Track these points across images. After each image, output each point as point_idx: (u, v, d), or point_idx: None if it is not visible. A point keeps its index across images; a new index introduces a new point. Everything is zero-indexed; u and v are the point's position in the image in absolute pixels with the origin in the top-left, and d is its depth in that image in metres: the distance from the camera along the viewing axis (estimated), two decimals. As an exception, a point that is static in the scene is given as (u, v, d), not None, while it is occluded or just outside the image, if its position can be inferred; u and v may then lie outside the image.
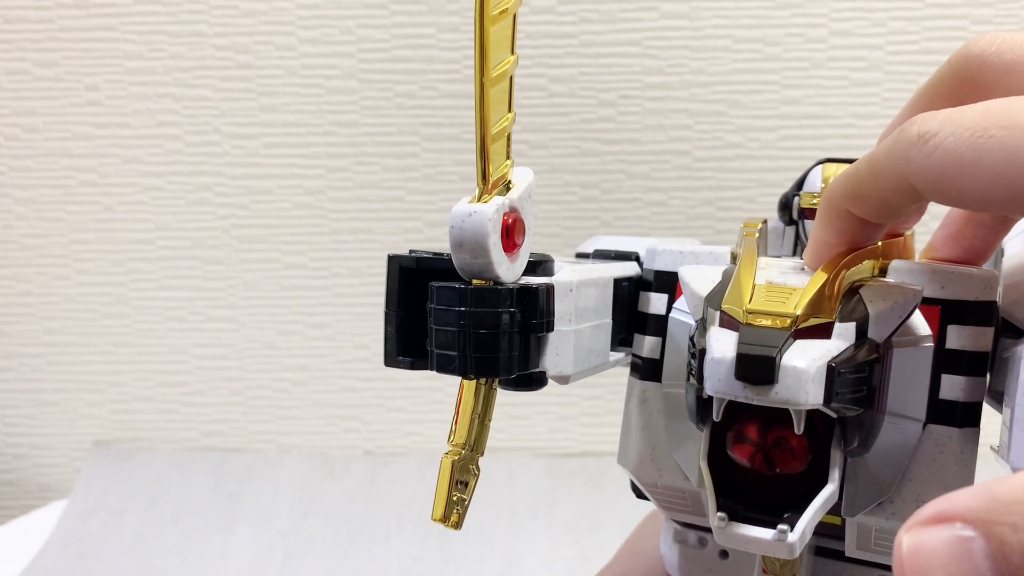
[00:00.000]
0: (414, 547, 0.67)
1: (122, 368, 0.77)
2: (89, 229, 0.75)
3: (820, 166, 0.35)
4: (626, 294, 0.30)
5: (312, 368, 0.76)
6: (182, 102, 0.73)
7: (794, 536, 0.23)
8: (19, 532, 0.71)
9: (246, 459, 0.76)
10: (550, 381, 0.27)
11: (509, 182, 0.25)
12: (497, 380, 0.25)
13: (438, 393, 0.76)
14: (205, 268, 0.75)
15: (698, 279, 0.26)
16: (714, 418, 0.23)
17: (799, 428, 0.23)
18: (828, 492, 0.24)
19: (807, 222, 0.35)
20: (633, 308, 0.30)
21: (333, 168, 0.73)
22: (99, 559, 0.67)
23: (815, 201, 0.32)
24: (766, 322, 0.23)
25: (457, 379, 0.25)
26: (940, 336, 0.25)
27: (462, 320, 0.24)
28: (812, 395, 0.21)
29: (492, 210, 0.24)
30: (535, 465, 0.74)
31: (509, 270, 0.25)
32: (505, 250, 0.24)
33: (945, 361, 0.25)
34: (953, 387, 0.25)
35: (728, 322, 0.23)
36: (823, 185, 0.32)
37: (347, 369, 0.76)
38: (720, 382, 0.22)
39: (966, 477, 0.25)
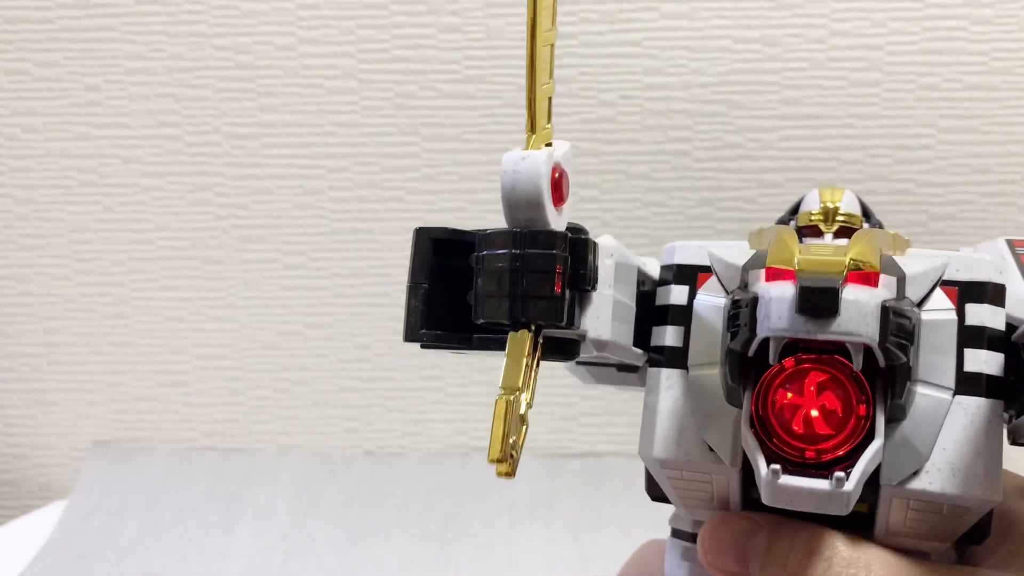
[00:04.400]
0: (414, 547, 0.67)
1: (122, 368, 0.77)
2: (89, 229, 0.75)
3: (816, 189, 0.35)
4: (640, 302, 0.29)
5: (312, 368, 0.76)
6: (182, 102, 0.73)
7: (850, 486, 0.23)
8: (19, 532, 0.71)
9: (246, 459, 0.76)
10: (567, 375, 0.27)
11: (550, 144, 0.26)
12: (540, 336, 0.25)
13: (438, 393, 0.76)
14: (205, 268, 0.75)
15: (730, 253, 0.27)
16: (771, 361, 0.24)
17: (858, 364, 0.23)
18: (876, 446, 0.24)
19: (807, 240, 0.35)
20: (644, 322, 0.30)
21: (333, 168, 0.73)
22: (99, 559, 0.67)
23: (814, 218, 0.32)
24: (821, 267, 0.24)
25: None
26: (960, 315, 0.26)
27: (516, 263, 0.24)
28: (871, 330, 0.22)
29: (544, 155, 0.24)
30: (535, 465, 0.74)
31: (556, 222, 0.25)
32: (553, 203, 0.25)
33: (967, 337, 0.26)
34: (976, 360, 0.26)
35: (775, 275, 0.24)
36: (821, 205, 0.32)
37: (347, 369, 0.76)
38: (781, 319, 0.23)
39: (996, 446, 0.25)
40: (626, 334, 0.28)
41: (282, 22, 0.71)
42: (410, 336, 0.27)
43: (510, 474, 0.24)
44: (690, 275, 0.29)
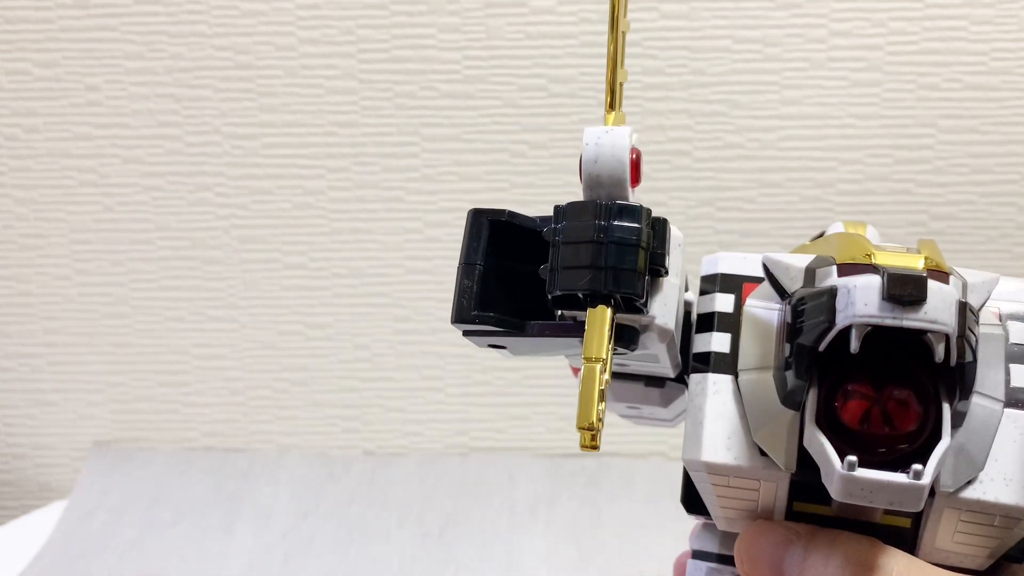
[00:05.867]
0: (414, 547, 0.67)
1: (122, 368, 0.77)
2: (89, 229, 0.75)
3: (839, 222, 0.34)
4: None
5: (312, 368, 0.76)
6: (182, 102, 0.73)
7: (927, 478, 0.23)
8: (19, 532, 0.71)
9: (246, 459, 0.76)
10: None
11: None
12: (615, 314, 0.24)
13: (438, 394, 0.76)
14: (205, 268, 0.75)
15: (788, 257, 0.27)
16: (852, 349, 0.23)
17: (939, 355, 0.23)
18: (945, 445, 0.24)
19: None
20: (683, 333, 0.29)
21: (333, 168, 0.73)
22: (99, 559, 0.67)
23: None
24: (900, 262, 0.24)
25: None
26: (1004, 333, 0.27)
27: (600, 234, 0.24)
28: (953, 321, 0.23)
29: (628, 130, 0.25)
30: (535, 465, 0.74)
31: (632, 199, 0.25)
32: (630, 182, 0.25)
33: (1013, 354, 0.26)
34: (1022, 376, 0.26)
35: (849, 269, 0.24)
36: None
37: (347, 369, 0.76)
38: (868, 305, 0.23)
39: None
40: (678, 333, 0.28)
41: (282, 22, 0.71)
42: (460, 317, 0.26)
43: (595, 447, 0.24)
44: (735, 284, 0.29)
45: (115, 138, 0.74)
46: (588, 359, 0.24)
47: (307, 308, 0.75)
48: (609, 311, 0.24)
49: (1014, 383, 0.26)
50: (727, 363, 0.28)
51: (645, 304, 0.25)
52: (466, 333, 0.27)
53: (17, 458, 0.79)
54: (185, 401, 0.77)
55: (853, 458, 0.23)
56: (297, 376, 0.76)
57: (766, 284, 0.27)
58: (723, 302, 0.28)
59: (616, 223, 0.24)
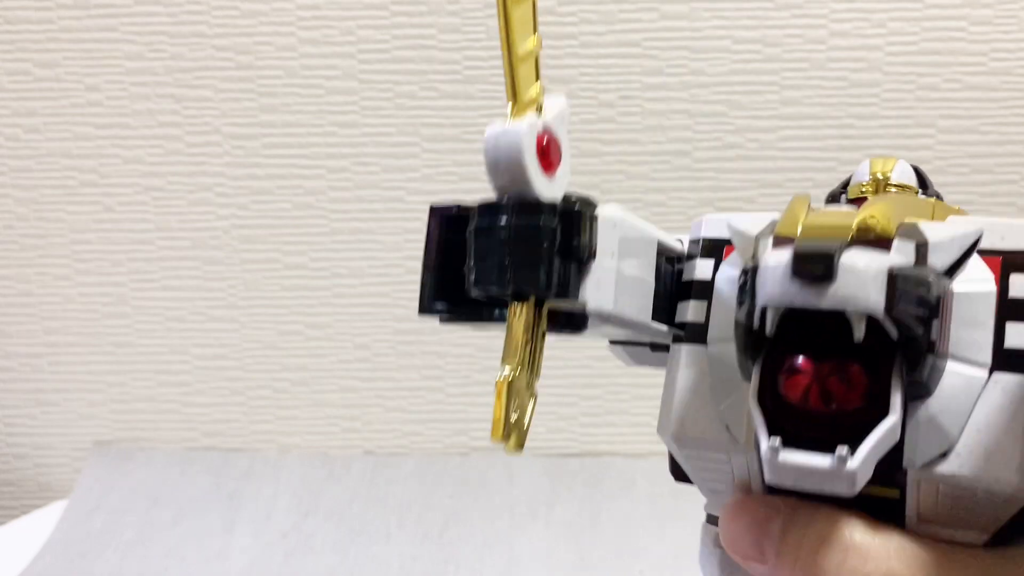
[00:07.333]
0: (414, 547, 0.67)
1: (122, 368, 0.77)
2: (89, 229, 0.75)
3: (867, 160, 0.33)
4: (668, 279, 0.28)
5: (312, 368, 0.76)
6: (182, 102, 0.73)
7: (854, 463, 0.21)
8: (19, 532, 0.71)
9: (246, 459, 0.76)
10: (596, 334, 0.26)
11: (540, 106, 0.25)
12: (542, 308, 0.24)
13: (438, 393, 0.76)
14: (205, 268, 0.75)
15: (747, 223, 0.25)
16: (767, 333, 0.22)
17: (859, 335, 0.21)
18: (890, 422, 0.22)
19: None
20: (672, 299, 0.28)
21: (333, 168, 0.73)
22: (99, 559, 0.67)
23: (865, 190, 0.30)
24: (824, 232, 0.22)
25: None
26: (1003, 286, 0.24)
27: (504, 233, 0.24)
28: (873, 297, 0.21)
29: (525, 126, 0.24)
30: (535, 465, 0.74)
31: (548, 189, 0.24)
32: (544, 170, 0.24)
33: (1009, 310, 0.24)
34: (1019, 335, 0.24)
35: (782, 243, 0.23)
36: (871, 176, 0.30)
37: (347, 369, 0.76)
38: (776, 286, 0.21)
39: None
40: (640, 308, 0.27)
41: (282, 22, 0.72)
42: (423, 310, 0.26)
43: (518, 447, 0.23)
44: (716, 249, 0.27)
45: (115, 138, 0.74)
46: (502, 363, 0.24)
47: (307, 308, 0.75)
48: (523, 307, 0.24)
49: (1008, 343, 0.23)
50: (700, 333, 0.27)
51: (565, 292, 0.24)
52: (443, 320, 0.27)
53: (17, 458, 0.79)
54: (185, 401, 0.77)
55: (775, 440, 0.22)
56: (297, 376, 0.76)
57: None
58: (702, 268, 0.27)
59: (515, 221, 0.24)
